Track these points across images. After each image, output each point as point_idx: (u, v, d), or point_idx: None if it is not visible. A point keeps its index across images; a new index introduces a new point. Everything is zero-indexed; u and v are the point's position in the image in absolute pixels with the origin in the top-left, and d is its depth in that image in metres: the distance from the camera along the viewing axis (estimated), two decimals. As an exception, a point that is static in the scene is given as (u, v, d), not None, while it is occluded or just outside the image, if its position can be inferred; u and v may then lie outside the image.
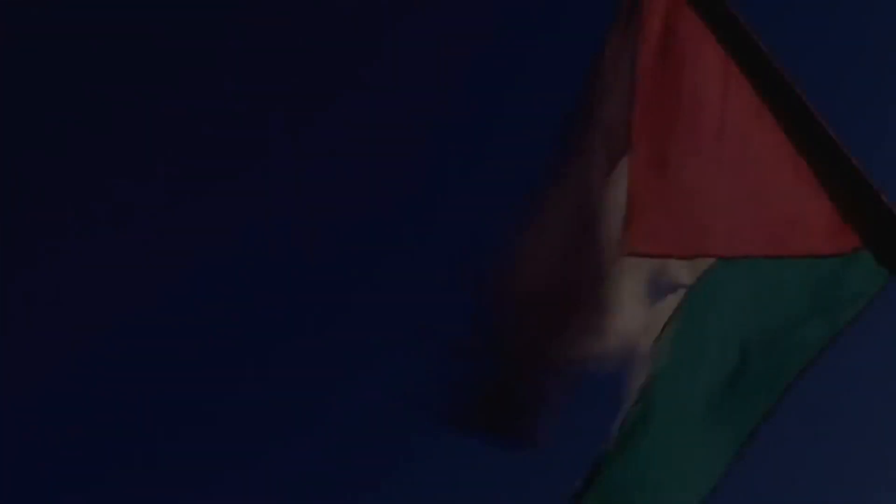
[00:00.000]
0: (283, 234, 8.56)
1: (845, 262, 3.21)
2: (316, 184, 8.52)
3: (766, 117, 3.28)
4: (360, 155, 8.48)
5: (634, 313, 3.31)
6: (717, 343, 3.34)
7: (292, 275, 8.52)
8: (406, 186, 8.54)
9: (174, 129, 8.47)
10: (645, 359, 3.33)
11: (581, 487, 3.30)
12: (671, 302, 3.36)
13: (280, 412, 8.26)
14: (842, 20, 8.68)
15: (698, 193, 3.32)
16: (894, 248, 3.14)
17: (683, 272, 3.35)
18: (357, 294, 8.44)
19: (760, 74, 3.30)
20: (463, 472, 7.69)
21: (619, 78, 3.37)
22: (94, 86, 8.29)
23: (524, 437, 3.27)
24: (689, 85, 3.38)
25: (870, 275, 3.19)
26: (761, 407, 3.25)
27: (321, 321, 8.45)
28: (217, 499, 8.38)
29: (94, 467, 8.34)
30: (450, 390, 3.27)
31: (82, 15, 8.23)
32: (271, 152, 8.66)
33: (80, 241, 8.50)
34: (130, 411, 8.22)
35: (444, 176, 8.51)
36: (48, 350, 8.32)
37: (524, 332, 3.28)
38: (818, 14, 8.74)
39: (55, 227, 8.40)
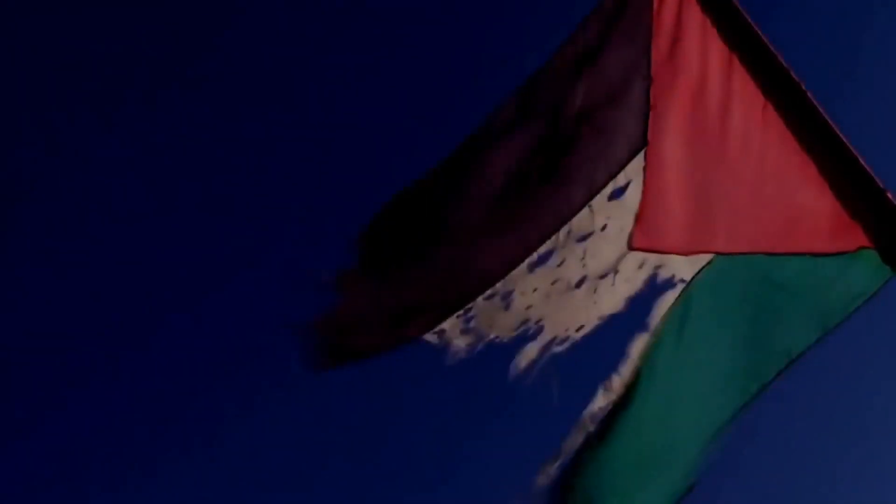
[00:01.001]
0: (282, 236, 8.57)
1: (850, 260, 3.21)
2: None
3: (773, 116, 3.28)
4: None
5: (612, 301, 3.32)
6: (711, 337, 3.34)
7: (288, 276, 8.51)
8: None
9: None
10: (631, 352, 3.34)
11: (564, 480, 3.29)
12: (669, 297, 3.36)
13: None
14: (849, 18, 8.68)
15: (701, 191, 3.32)
16: (899, 246, 3.15)
17: (683, 268, 3.35)
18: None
19: (767, 73, 3.30)
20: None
21: (626, 79, 3.37)
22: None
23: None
24: (694, 84, 3.38)
25: (873, 272, 3.20)
26: (740, 400, 3.27)
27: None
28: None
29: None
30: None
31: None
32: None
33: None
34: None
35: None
36: None
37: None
38: (825, 12, 8.74)
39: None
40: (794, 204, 3.28)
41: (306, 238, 8.46)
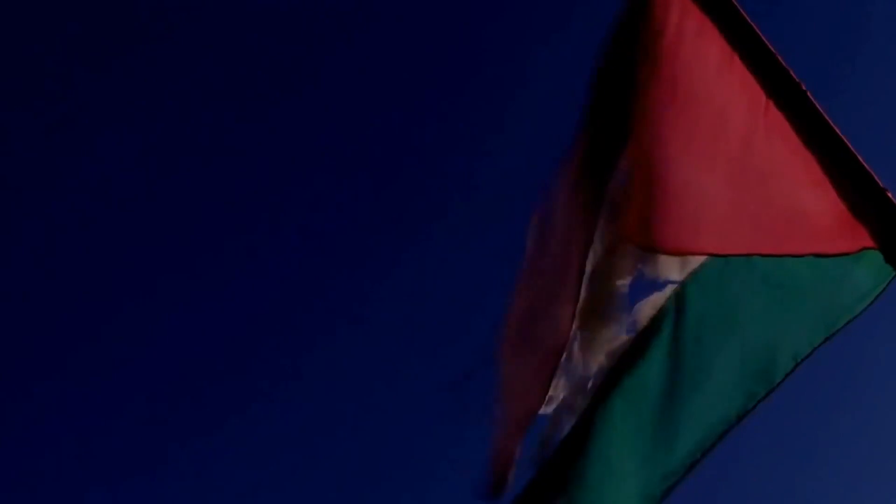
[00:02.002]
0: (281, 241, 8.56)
1: (853, 261, 3.19)
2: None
3: (774, 116, 3.26)
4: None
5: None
6: (710, 340, 3.32)
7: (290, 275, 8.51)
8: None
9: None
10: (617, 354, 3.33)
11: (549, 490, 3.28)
12: (657, 298, 3.34)
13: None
14: (850, 18, 8.67)
15: (694, 191, 3.28)
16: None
17: (673, 268, 3.33)
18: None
19: (767, 73, 3.28)
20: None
21: (619, 78, 3.35)
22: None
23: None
24: (693, 81, 3.36)
25: (877, 273, 3.18)
26: (746, 404, 3.24)
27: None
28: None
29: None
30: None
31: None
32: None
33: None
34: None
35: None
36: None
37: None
38: (826, 11, 8.74)
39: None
40: (795, 205, 3.25)
41: (307, 238, 8.44)
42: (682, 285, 3.36)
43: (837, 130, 3.21)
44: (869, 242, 3.15)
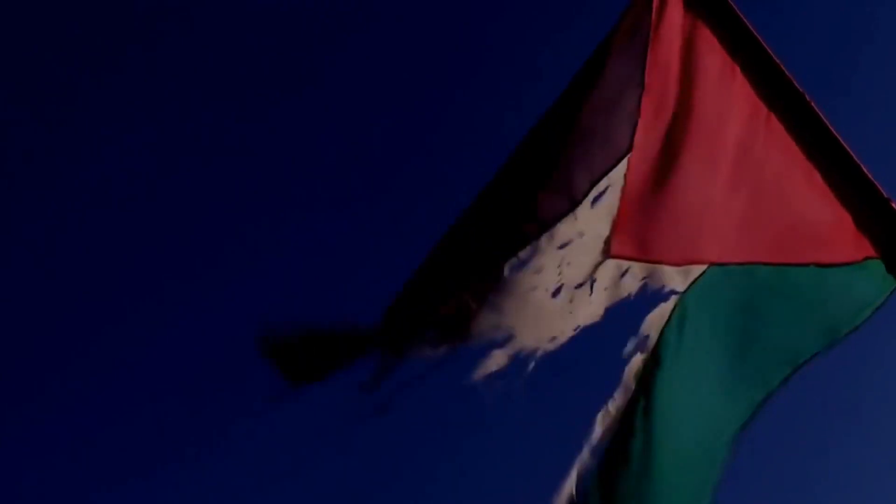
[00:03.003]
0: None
1: (855, 270, 3.18)
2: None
3: (775, 125, 3.25)
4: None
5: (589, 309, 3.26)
6: (710, 350, 3.30)
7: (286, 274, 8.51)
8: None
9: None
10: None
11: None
12: (663, 309, 3.31)
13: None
14: (853, 27, 8.65)
15: (693, 200, 3.27)
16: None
17: (675, 278, 3.31)
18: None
19: (769, 82, 3.27)
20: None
21: (621, 86, 3.33)
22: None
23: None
24: (694, 93, 3.34)
25: (880, 282, 3.17)
26: (747, 411, 3.22)
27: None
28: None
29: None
30: None
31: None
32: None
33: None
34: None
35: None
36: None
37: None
38: (829, 20, 8.71)
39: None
40: (797, 214, 3.24)
41: (306, 238, 8.45)
42: (684, 295, 3.34)
43: (841, 140, 3.21)
44: (871, 252, 3.15)
